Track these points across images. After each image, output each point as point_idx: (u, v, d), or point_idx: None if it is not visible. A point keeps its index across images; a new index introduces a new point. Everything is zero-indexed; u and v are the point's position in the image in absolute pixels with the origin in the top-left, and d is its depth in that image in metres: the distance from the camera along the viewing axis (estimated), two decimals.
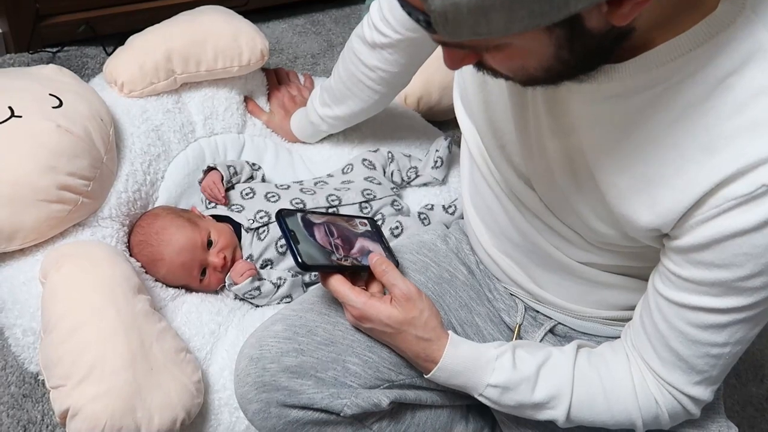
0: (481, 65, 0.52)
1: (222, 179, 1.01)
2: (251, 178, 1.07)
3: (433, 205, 1.08)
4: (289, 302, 0.96)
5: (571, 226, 0.67)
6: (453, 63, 0.51)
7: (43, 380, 0.79)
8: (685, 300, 0.58)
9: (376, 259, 0.72)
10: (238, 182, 1.05)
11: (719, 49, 0.49)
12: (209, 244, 0.94)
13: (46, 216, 0.85)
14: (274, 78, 1.23)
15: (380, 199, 1.05)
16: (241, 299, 0.96)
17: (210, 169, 1.04)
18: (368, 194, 1.04)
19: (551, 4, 0.40)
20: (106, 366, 0.73)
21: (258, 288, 0.93)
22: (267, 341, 0.71)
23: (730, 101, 0.50)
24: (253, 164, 1.08)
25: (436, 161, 1.12)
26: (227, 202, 1.02)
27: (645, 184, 0.56)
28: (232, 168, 1.04)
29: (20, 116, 0.87)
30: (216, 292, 0.98)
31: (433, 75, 1.26)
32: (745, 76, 0.49)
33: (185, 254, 0.92)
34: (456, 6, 0.40)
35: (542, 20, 0.41)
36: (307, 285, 0.99)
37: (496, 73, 0.52)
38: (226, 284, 0.95)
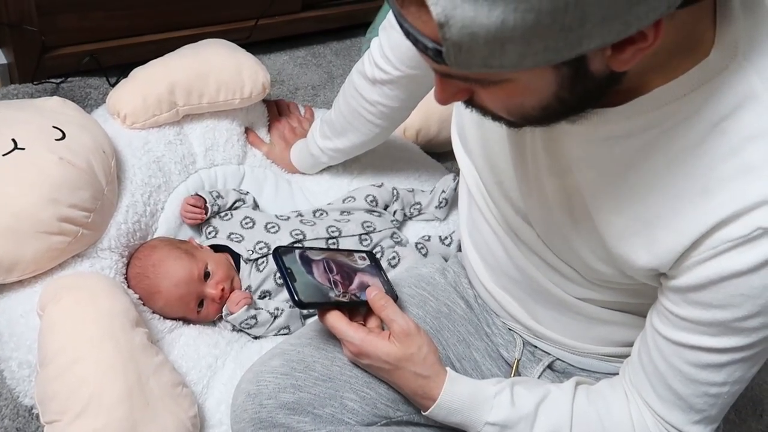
0: (471, 102, 0.52)
1: (204, 202, 1.02)
2: (241, 201, 1.07)
3: (430, 236, 1.09)
4: (286, 333, 0.95)
5: (569, 263, 0.68)
6: (445, 97, 0.51)
7: (38, 414, 0.78)
8: (683, 339, 0.58)
9: (375, 294, 0.72)
10: (225, 206, 1.05)
11: (713, 94, 0.51)
12: (207, 275, 0.94)
13: (46, 248, 0.85)
14: (275, 109, 1.25)
15: (380, 231, 1.05)
16: (238, 330, 0.96)
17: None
18: (368, 226, 1.05)
19: (566, 41, 0.40)
20: (103, 401, 0.73)
21: (254, 317, 0.93)
22: (264, 377, 0.71)
23: (724, 145, 0.51)
24: (241, 189, 1.09)
25: (441, 202, 1.12)
26: (206, 217, 1.02)
27: (642, 225, 0.56)
28: (214, 192, 1.05)
29: (23, 148, 0.87)
30: (213, 323, 0.97)
31: (432, 108, 1.27)
32: (738, 120, 0.50)
33: (182, 287, 0.91)
34: (473, 36, 0.39)
35: (555, 57, 0.41)
36: (306, 317, 0.99)
37: (485, 112, 0.53)
38: (223, 314, 0.95)
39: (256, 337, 0.96)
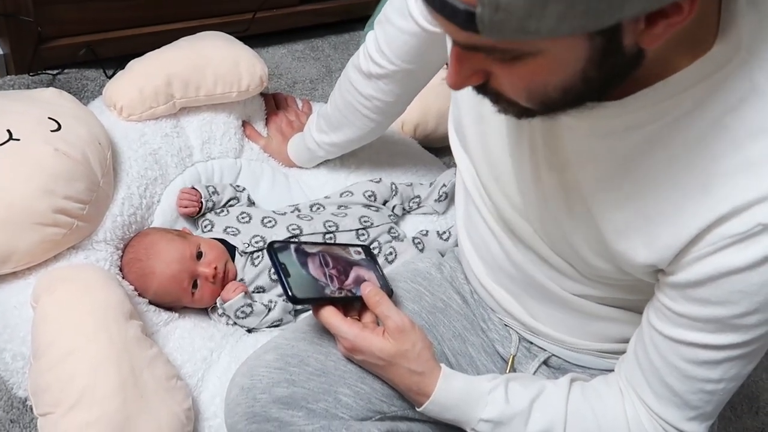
0: (485, 88, 0.50)
1: (200, 196, 1.02)
2: (235, 199, 1.06)
3: (427, 231, 1.08)
4: (278, 325, 0.95)
5: (566, 259, 0.67)
6: (459, 79, 0.49)
7: (32, 406, 0.78)
8: (680, 335, 0.58)
9: (369, 289, 0.72)
10: (219, 202, 1.04)
11: (715, 89, 0.50)
12: (199, 256, 0.93)
13: (40, 239, 0.84)
14: (273, 103, 1.24)
15: (377, 226, 1.05)
16: (232, 324, 0.95)
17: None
18: (365, 221, 1.04)
19: (609, 3, 0.39)
20: (96, 393, 0.72)
21: (250, 305, 0.92)
22: (258, 371, 0.70)
23: (726, 140, 0.50)
24: (237, 186, 1.08)
25: (441, 195, 1.12)
26: (200, 210, 1.02)
27: (642, 220, 0.56)
28: (210, 187, 1.04)
29: (18, 139, 0.87)
30: (209, 316, 0.97)
31: (430, 102, 1.27)
32: (740, 116, 0.50)
33: (174, 265, 0.91)
34: None
35: (594, 22, 0.40)
36: (298, 312, 0.98)
37: (498, 98, 0.51)
38: (218, 304, 0.94)
39: (249, 331, 0.96)
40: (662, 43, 0.45)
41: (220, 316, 0.96)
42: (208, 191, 1.04)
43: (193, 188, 1.04)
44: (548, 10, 0.38)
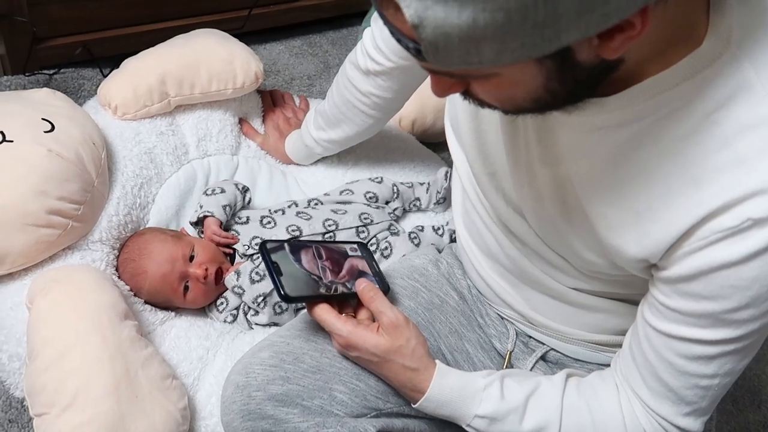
0: (468, 94, 0.52)
1: (221, 225, 0.99)
2: (242, 207, 1.04)
3: (423, 227, 1.08)
4: (280, 314, 0.94)
5: (560, 254, 0.67)
6: (441, 90, 0.52)
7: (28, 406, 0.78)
8: (674, 331, 0.57)
9: (364, 285, 0.72)
10: (234, 215, 1.03)
11: (705, 85, 0.50)
12: (192, 258, 0.93)
13: (35, 240, 0.84)
14: (270, 100, 1.24)
15: (377, 223, 1.04)
16: (231, 321, 0.95)
17: (204, 217, 0.99)
18: (365, 218, 1.04)
19: (542, 37, 0.40)
20: (90, 394, 0.73)
21: (258, 265, 0.92)
22: (253, 368, 0.70)
23: (716, 136, 0.50)
24: (243, 187, 1.05)
25: (440, 200, 1.13)
26: (236, 239, 0.98)
27: (633, 215, 0.56)
28: (227, 208, 1.00)
29: (11, 141, 0.87)
30: (205, 314, 0.97)
31: (428, 98, 1.26)
32: (731, 111, 0.49)
33: (165, 266, 0.90)
34: (447, 36, 0.40)
35: (534, 52, 0.41)
36: (299, 309, 0.98)
37: (482, 103, 0.53)
38: (226, 282, 0.93)
39: (250, 325, 0.95)
40: (641, 46, 0.44)
41: (220, 312, 0.95)
42: (226, 213, 0.99)
43: (211, 216, 0.98)
44: (483, 48, 0.40)
